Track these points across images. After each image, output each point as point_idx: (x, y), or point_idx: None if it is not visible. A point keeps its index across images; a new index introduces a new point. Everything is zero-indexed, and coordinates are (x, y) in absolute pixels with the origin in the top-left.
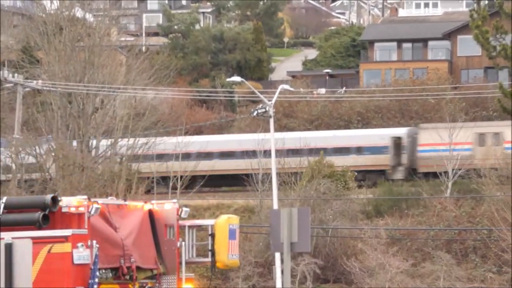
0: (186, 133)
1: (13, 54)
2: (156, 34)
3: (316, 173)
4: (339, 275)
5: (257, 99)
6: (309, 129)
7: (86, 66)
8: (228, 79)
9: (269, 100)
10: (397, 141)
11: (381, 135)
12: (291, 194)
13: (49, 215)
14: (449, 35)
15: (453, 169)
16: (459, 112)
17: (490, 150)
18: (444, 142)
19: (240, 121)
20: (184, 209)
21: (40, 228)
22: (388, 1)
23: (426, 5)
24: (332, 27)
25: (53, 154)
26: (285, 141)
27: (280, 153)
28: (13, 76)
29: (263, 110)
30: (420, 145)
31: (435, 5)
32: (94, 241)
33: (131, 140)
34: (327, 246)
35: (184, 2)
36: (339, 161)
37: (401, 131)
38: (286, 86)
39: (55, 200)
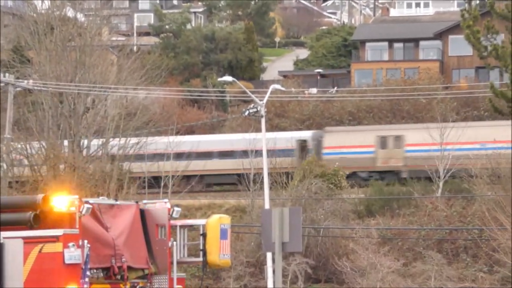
0: (178, 133)
1: (4, 53)
2: (147, 34)
3: (307, 172)
4: (331, 275)
5: (248, 99)
6: (300, 129)
7: (77, 65)
8: (219, 79)
9: (260, 100)
10: (302, 144)
11: (287, 138)
12: (282, 194)
13: (41, 215)
14: (440, 35)
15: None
16: (450, 112)
17: (391, 152)
18: (347, 145)
19: (232, 121)
20: (176, 208)
21: (31, 228)
22: (380, 1)
23: (418, 5)
24: (324, 27)
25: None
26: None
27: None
28: (4, 76)
29: (255, 109)
30: (325, 147)
31: (426, 5)
32: (85, 241)
33: (123, 140)
34: (319, 246)
35: (175, 2)
36: (246, 164)
37: (306, 134)
38: (278, 86)
39: (46, 200)
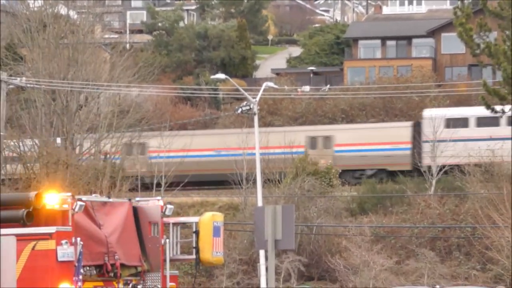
0: (171, 130)
1: None
2: (140, 31)
3: (300, 170)
4: (324, 273)
5: (241, 97)
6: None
7: (70, 63)
8: (212, 77)
9: (253, 98)
10: None
11: None
12: (275, 192)
13: (33, 212)
14: (433, 33)
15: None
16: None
17: (136, 159)
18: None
19: (225, 119)
20: (169, 206)
21: (24, 225)
22: None
23: (410, 2)
24: (316, 25)
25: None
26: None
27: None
28: None
29: (248, 107)
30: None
31: (419, 3)
32: (78, 238)
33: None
34: (312, 244)
35: (168, 0)
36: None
37: None
38: (270, 84)
39: (39, 197)
